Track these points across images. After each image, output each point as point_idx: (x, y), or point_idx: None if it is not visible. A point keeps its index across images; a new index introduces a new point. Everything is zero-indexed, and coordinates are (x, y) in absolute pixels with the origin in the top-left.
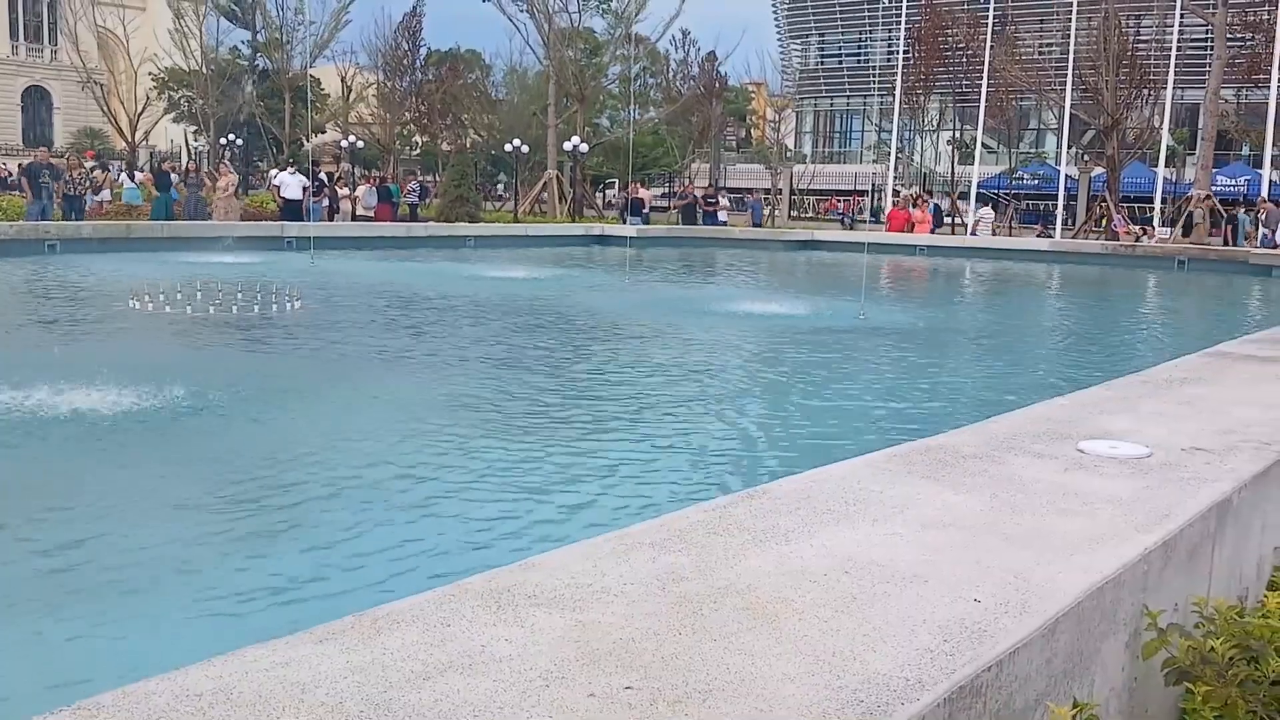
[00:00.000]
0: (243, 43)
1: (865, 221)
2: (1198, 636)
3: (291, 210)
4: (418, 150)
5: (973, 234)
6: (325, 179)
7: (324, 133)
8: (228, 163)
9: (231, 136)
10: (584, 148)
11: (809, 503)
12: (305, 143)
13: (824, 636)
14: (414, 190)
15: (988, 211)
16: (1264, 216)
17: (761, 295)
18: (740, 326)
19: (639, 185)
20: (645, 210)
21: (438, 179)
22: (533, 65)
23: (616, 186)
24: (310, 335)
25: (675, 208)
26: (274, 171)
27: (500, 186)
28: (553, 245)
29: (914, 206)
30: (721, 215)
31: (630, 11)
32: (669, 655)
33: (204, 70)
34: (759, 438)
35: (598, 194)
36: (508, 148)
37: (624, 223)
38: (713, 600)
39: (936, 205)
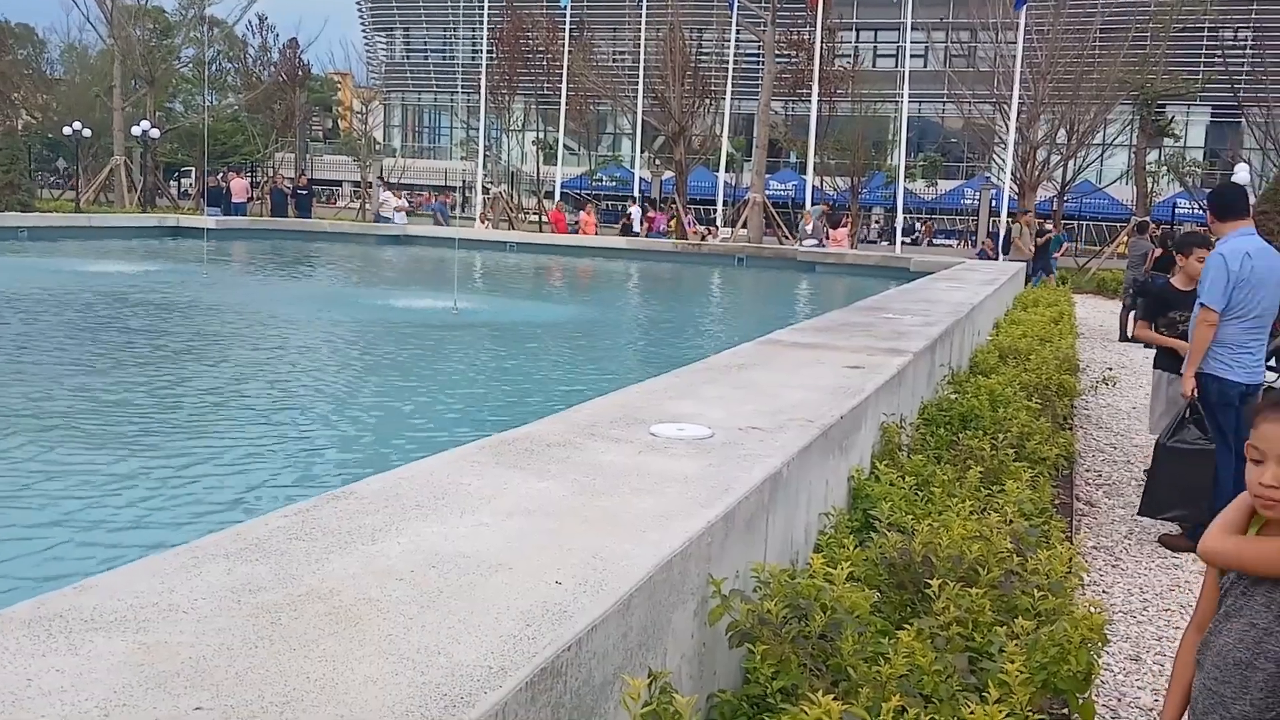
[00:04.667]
0: None
1: (456, 218)
2: (756, 600)
3: None
4: None
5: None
6: None
7: None
8: None
9: None
10: (155, 133)
11: (397, 500)
12: None
13: (409, 634)
14: None
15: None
16: (808, 223)
17: (353, 290)
18: (329, 322)
19: (234, 174)
20: (243, 200)
21: None
22: (95, 43)
23: (194, 175)
24: None
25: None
26: None
27: (57, 174)
28: (121, 237)
29: (582, 210)
30: (399, 217)
31: None
32: (244, 670)
33: None
34: (347, 437)
35: (172, 183)
36: (67, 131)
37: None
38: (293, 608)
39: (643, 207)
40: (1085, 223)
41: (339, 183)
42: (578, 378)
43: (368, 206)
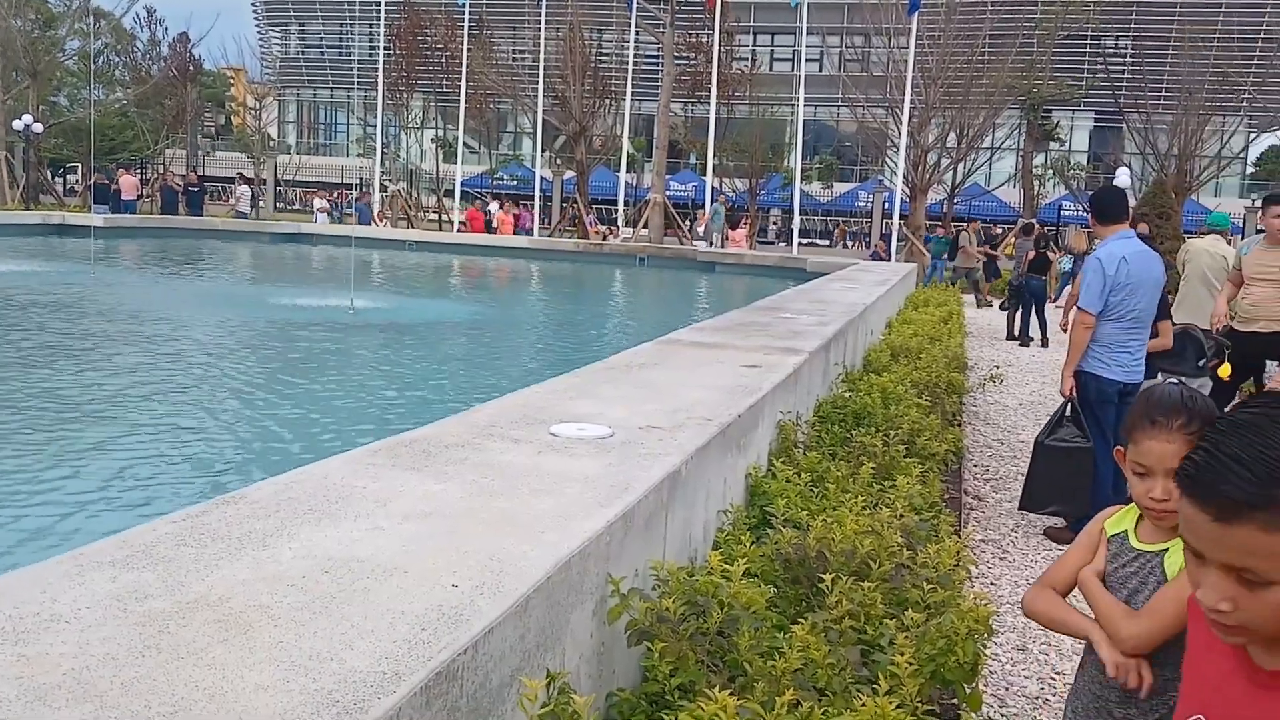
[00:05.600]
0: None
1: (353, 215)
2: (655, 598)
3: None
4: None
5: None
6: None
7: None
8: None
9: None
10: (38, 128)
11: (289, 504)
12: None
13: (301, 640)
14: None
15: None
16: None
17: (246, 289)
18: (221, 323)
19: (123, 171)
20: (133, 198)
21: None
22: None
23: (80, 171)
24: None
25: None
26: None
27: None
28: (2, 235)
29: (499, 208)
30: (321, 218)
31: None
32: (130, 680)
33: None
34: (238, 440)
35: (57, 180)
36: None
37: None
38: (181, 616)
39: (575, 211)
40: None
41: (232, 180)
42: (477, 378)
43: (261, 204)
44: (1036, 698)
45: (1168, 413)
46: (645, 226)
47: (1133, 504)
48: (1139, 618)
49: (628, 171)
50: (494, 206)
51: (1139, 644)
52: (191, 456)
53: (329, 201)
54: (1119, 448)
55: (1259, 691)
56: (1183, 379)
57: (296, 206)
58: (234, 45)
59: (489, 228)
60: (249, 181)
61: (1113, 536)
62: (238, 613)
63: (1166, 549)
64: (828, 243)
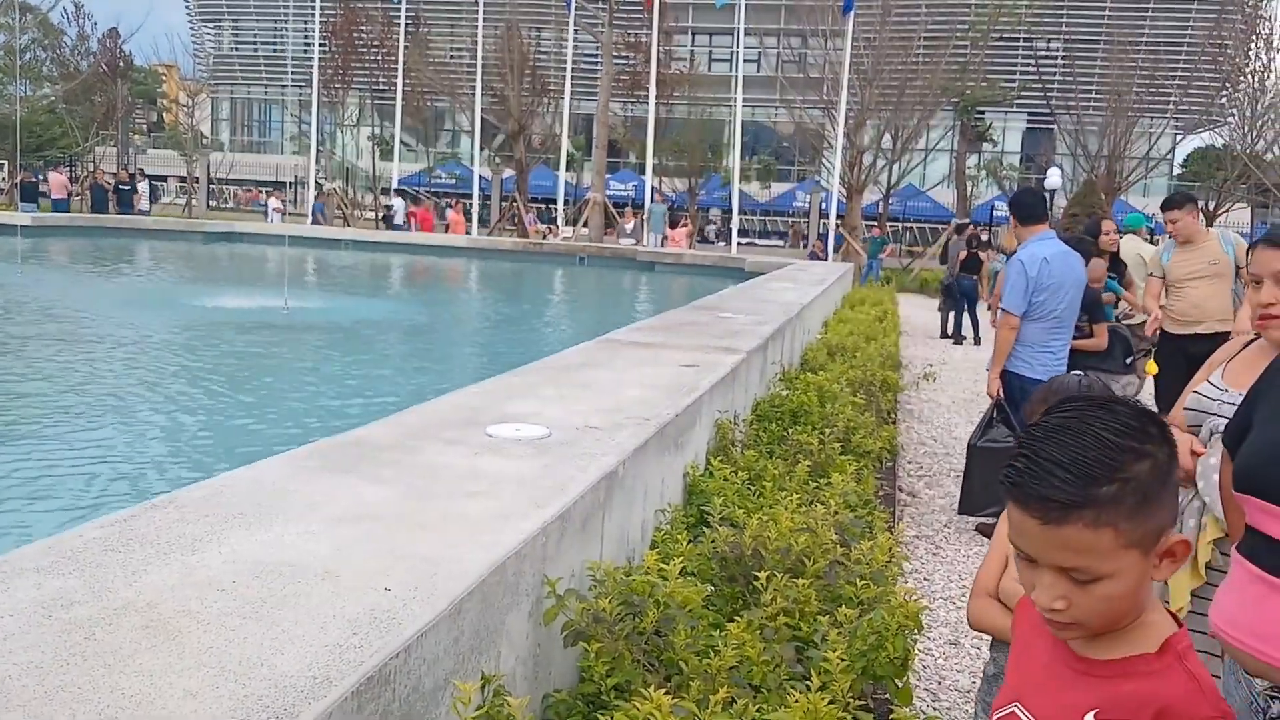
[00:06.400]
0: None
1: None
2: (592, 599)
3: None
4: None
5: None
6: None
7: None
8: None
9: None
10: None
11: (220, 508)
12: None
13: (231, 646)
14: None
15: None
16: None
17: (178, 288)
18: (151, 323)
19: (52, 168)
20: (63, 196)
21: None
22: None
23: (6, 169)
24: None
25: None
26: None
27: None
28: None
29: (449, 209)
30: (275, 217)
31: None
32: (54, 689)
33: None
34: (169, 443)
35: None
36: None
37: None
38: (108, 623)
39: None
40: (909, 225)
41: (164, 178)
42: (414, 379)
43: (193, 202)
44: (968, 691)
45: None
46: (585, 225)
47: None
48: None
49: (567, 170)
50: (397, 203)
51: None
52: (120, 461)
53: (283, 201)
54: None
55: (1077, 677)
56: (1109, 376)
57: (230, 205)
58: (165, 41)
59: (445, 229)
60: (147, 178)
61: None
62: (166, 618)
63: None
64: (781, 243)
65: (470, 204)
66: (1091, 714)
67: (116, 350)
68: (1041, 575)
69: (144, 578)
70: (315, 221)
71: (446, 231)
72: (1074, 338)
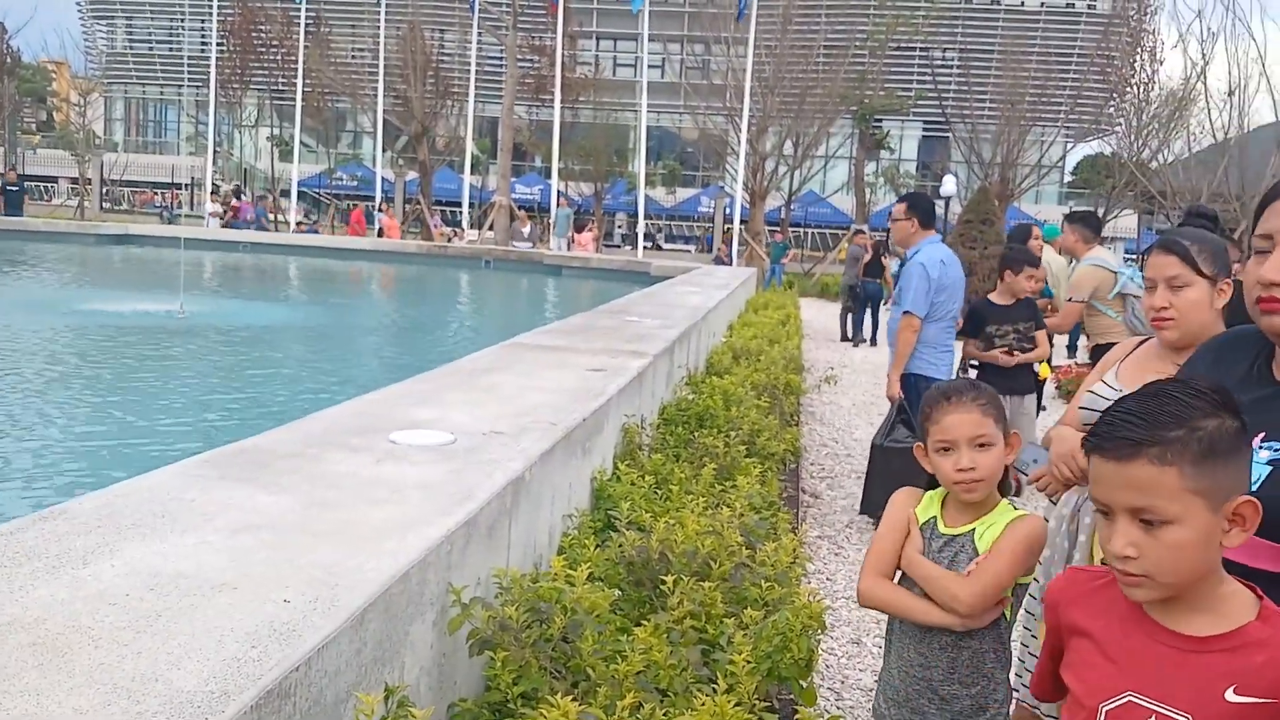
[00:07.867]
0: None
1: (182, 216)
2: (498, 606)
3: None
4: None
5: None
6: None
7: None
8: None
9: None
10: None
11: (112, 519)
12: None
13: (124, 661)
14: None
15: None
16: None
17: (69, 293)
18: (40, 328)
19: None
20: None
21: None
22: None
23: None
24: None
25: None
26: None
27: None
28: None
29: (380, 211)
30: (213, 221)
31: None
32: None
33: None
34: (59, 453)
35: None
36: None
37: None
38: None
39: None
40: (810, 230)
41: (55, 179)
42: (314, 384)
43: (86, 204)
44: (871, 689)
45: (960, 391)
46: (490, 229)
47: (935, 490)
48: (972, 579)
49: (472, 173)
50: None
51: (977, 601)
52: (6, 471)
53: (221, 205)
54: (918, 444)
55: (1189, 656)
56: (1015, 397)
57: (124, 207)
58: (55, 38)
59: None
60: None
61: (923, 525)
62: (55, 634)
63: (974, 529)
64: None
65: (372, 206)
66: (1231, 689)
67: (0, 357)
68: (1115, 525)
69: (31, 592)
70: (261, 227)
71: (380, 236)
72: (1018, 349)
